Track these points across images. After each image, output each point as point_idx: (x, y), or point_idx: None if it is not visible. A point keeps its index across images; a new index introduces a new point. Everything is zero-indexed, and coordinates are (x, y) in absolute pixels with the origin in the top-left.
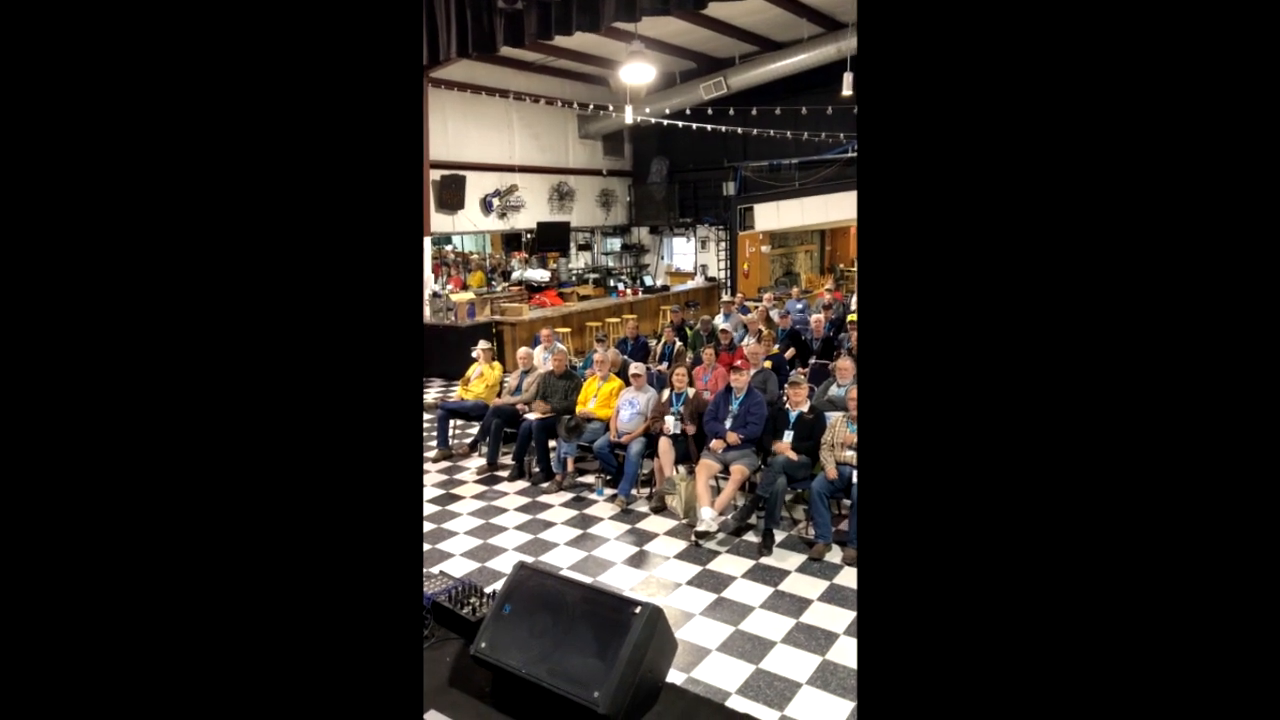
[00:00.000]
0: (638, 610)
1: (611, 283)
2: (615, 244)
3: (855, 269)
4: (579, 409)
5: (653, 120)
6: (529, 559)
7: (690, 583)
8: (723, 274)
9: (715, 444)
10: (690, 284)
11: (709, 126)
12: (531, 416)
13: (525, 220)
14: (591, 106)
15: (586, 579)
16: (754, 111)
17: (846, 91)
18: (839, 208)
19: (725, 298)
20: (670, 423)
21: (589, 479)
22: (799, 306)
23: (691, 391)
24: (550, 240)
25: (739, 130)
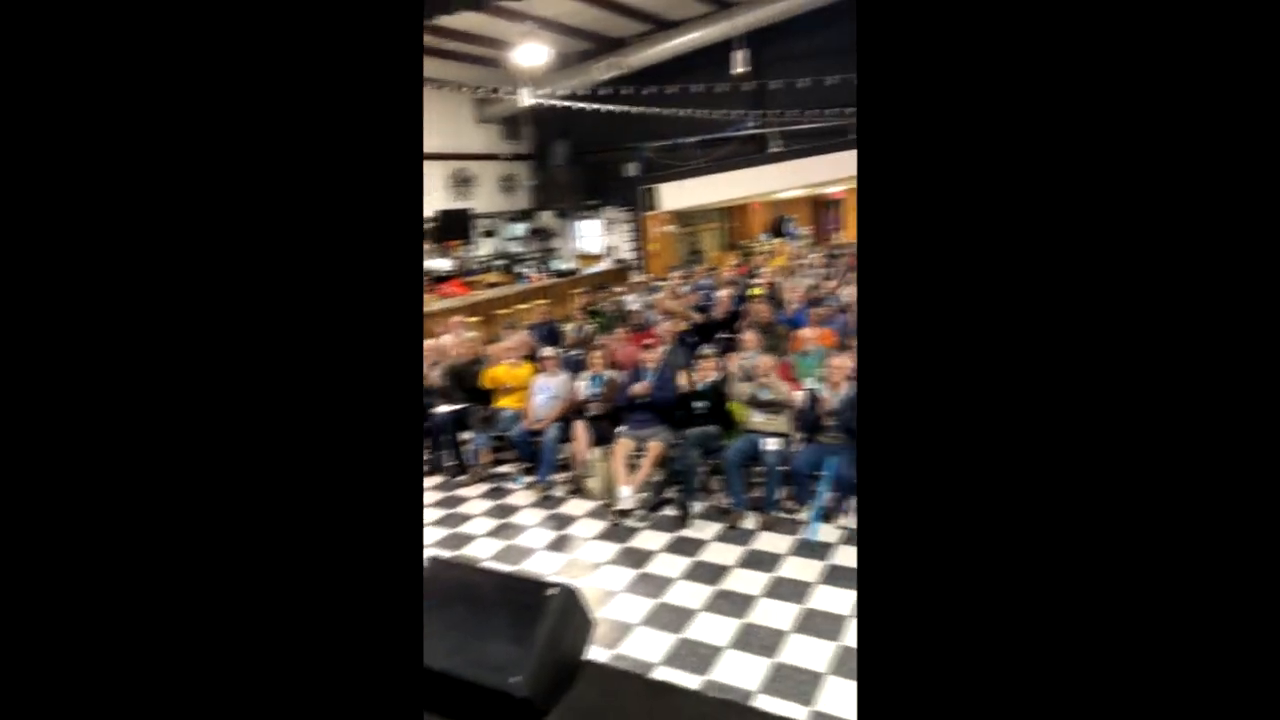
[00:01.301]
0: (551, 592)
1: (519, 269)
2: (521, 229)
3: (758, 244)
4: (487, 384)
5: (551, 102)
6: (448, 554)
7: (612, 561)
8: (631, 255)
9: (637, 388)
10: (600, 266)
11: (608, 107)
12: (441, 410)
13: (425, 209)
14: (487, 90)
15: (507, 568)
16: (650, 91)
17: (738, 69)
18: (741, 185)
19: (635, 278)
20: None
21: (506, 468)
22: (706, 283)
23: (608, 374)
24: (453, 228)
25: (637, 110)
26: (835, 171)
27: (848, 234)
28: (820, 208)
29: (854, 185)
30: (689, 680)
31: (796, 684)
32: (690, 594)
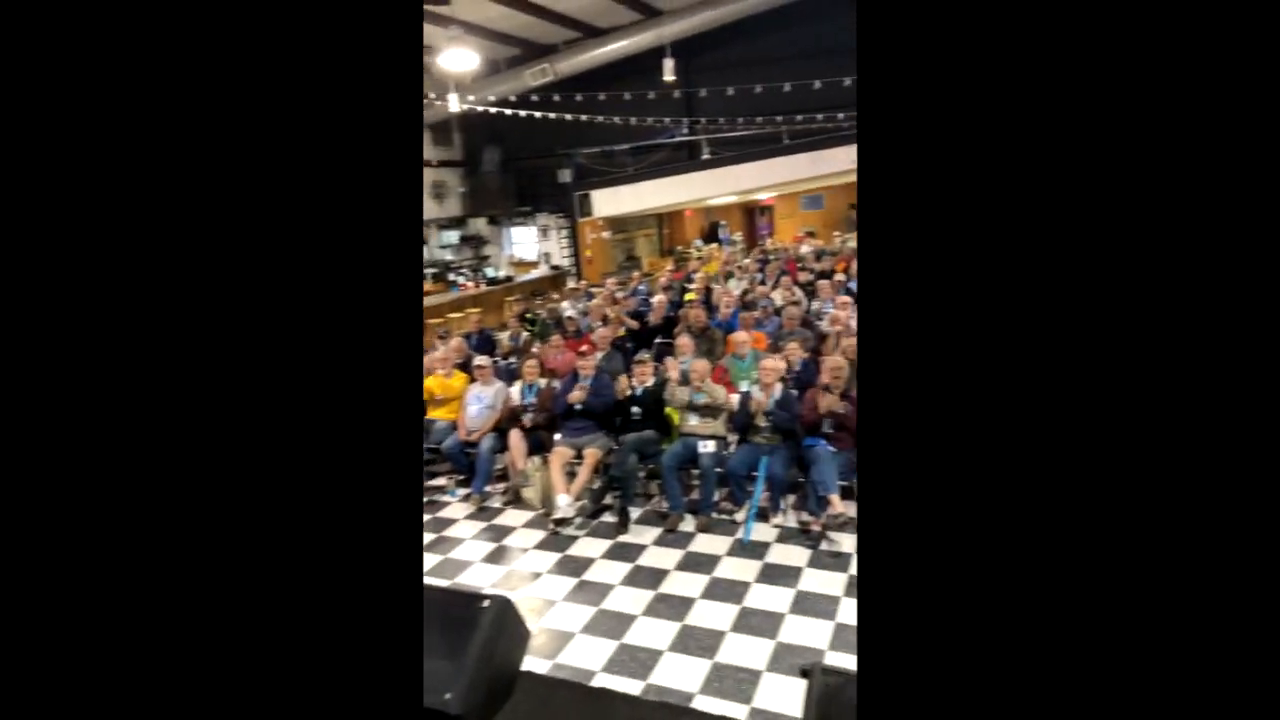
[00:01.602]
0: (485, 605)
1: (451, 277)
2: (453, 236)
3: (693, 250)
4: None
5: (480, 109)
6: None
7: (551, 570)
8: (567, 261)
9: (572, 395)
10: (535, 273)
11: (540, 114)
12: None
13: None
14: None
15: (443, 582)
16: (581, 98)
17: (668, 77)
18: (674, 191)
19: (571, 285)
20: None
21: (440, 481)
22: (643, 289)
23: (543, 382)
24: None
25: (570, 117)
26: (765, 178)
27: (778, 239)
28: (752, 213)
29: (782, 191)
30: (629, 686)
31: (736, 683)
32: (630, 599)
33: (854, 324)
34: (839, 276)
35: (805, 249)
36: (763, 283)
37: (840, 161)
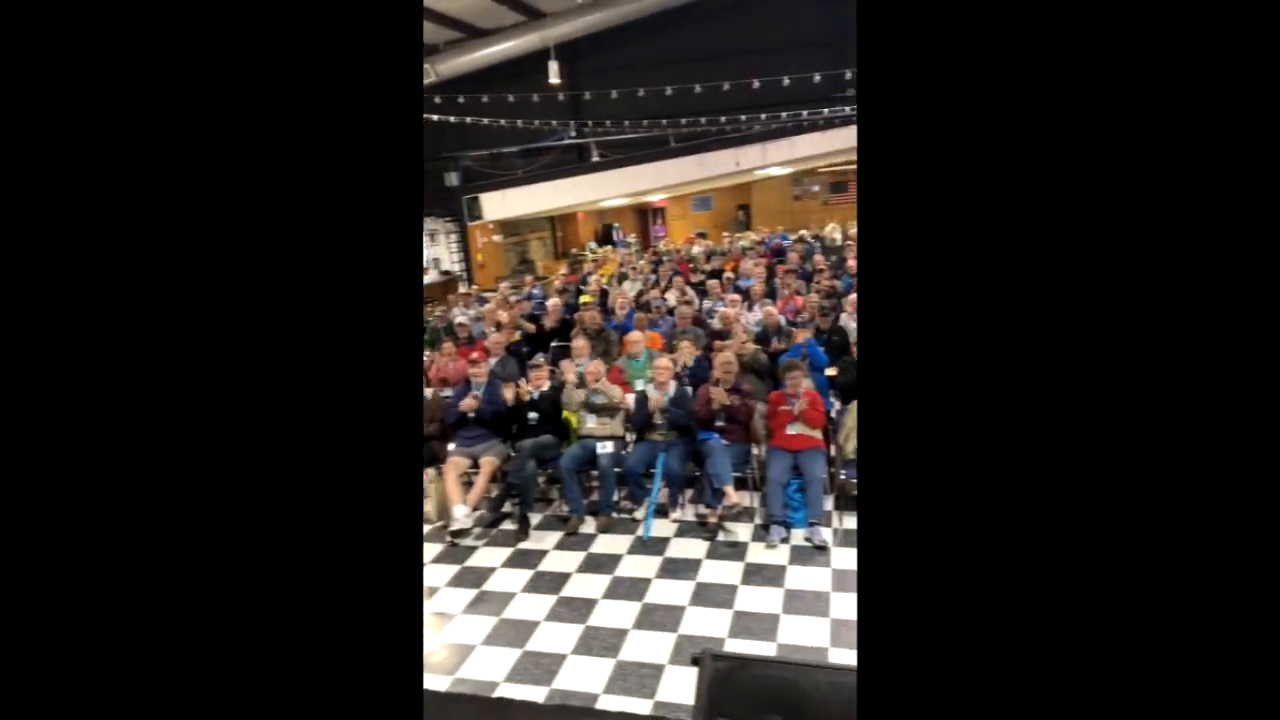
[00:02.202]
0: None
1: None
2: None
3: (587, 252)
4: None
5: None
6: None
7: (450, 584)
8: (457, 266)
9: (464, 404)
10: (425, 279)
11: (423, 115)
12: None
13: None
14: None
15: None
16: (466, 100)
17: (554, 79)
18: (564, 194)
19: (462, 290)
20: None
21: None
22: (537, 293)
23: (429, 393)
24: None
25: (454, 119)
26: (655, 180)
27: (671, 240)
28: (645, 215)
29: (673, 193)
30: (533, 694)
31: (639, 679)
32: (531, 606)
33: (745, 320)
34: (728, 276)
35: (696, 250)
36: (656, 284)
37: (726, 163)
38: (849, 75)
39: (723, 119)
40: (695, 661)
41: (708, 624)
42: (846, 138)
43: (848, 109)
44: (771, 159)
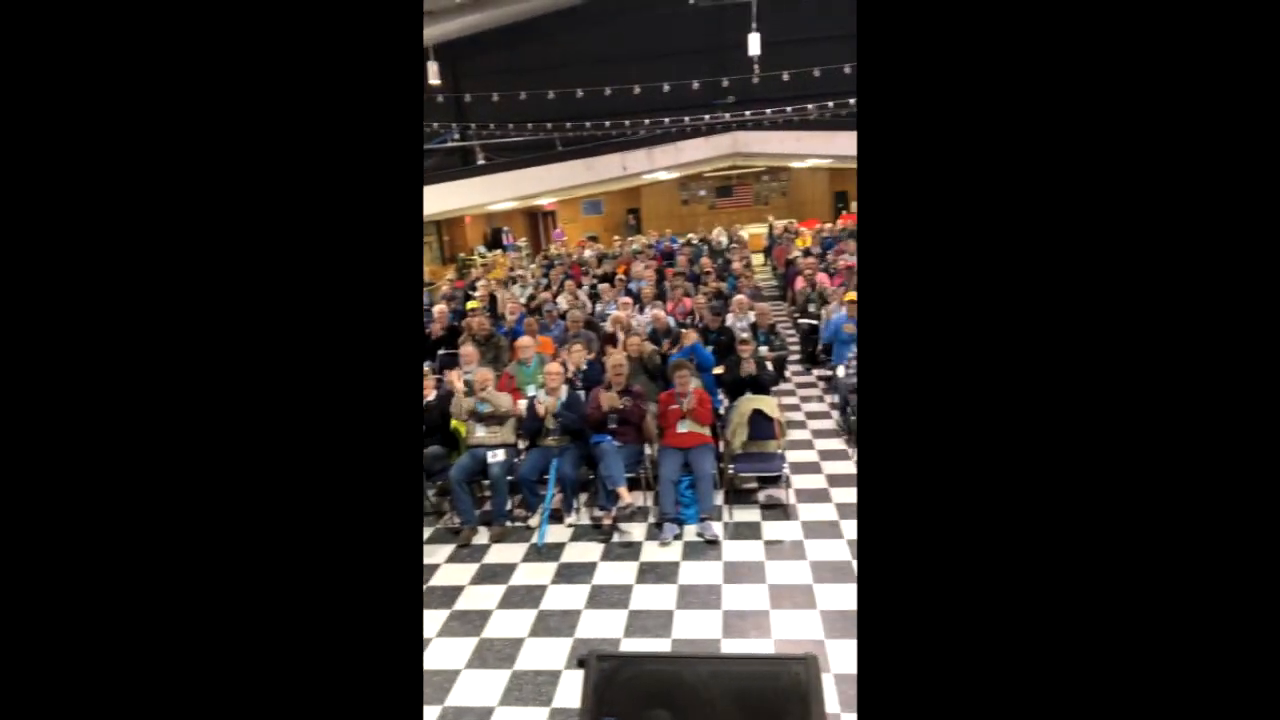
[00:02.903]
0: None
1: None
2: None
3: (476, 257)
4: None
5: None
6: None
7: None
8: None
9: None
10: None
11: None
12: None
13: None
14: None
15: None
16: None
17: (433, 80)
18: (450, 198)
19: None
20: None
21: None
22: (424, 300)
23: None
24: None
25: None
26: (542, 184)
27: (568, 244)
28: (534, 219)
29: (562, 197)
30: (426, 712)
31: (535, 687)
32: (424, 622)
33: (635, 322)
34: (620, 278)
35: (588, 253)
36: (548, 288)
37: (613, 168)
38: (725, 83)
39: (607, 123)
40: (581, 664)
41: (603, 626)
42: (729, 144)
43: (727, 115)
44: (658, 164)
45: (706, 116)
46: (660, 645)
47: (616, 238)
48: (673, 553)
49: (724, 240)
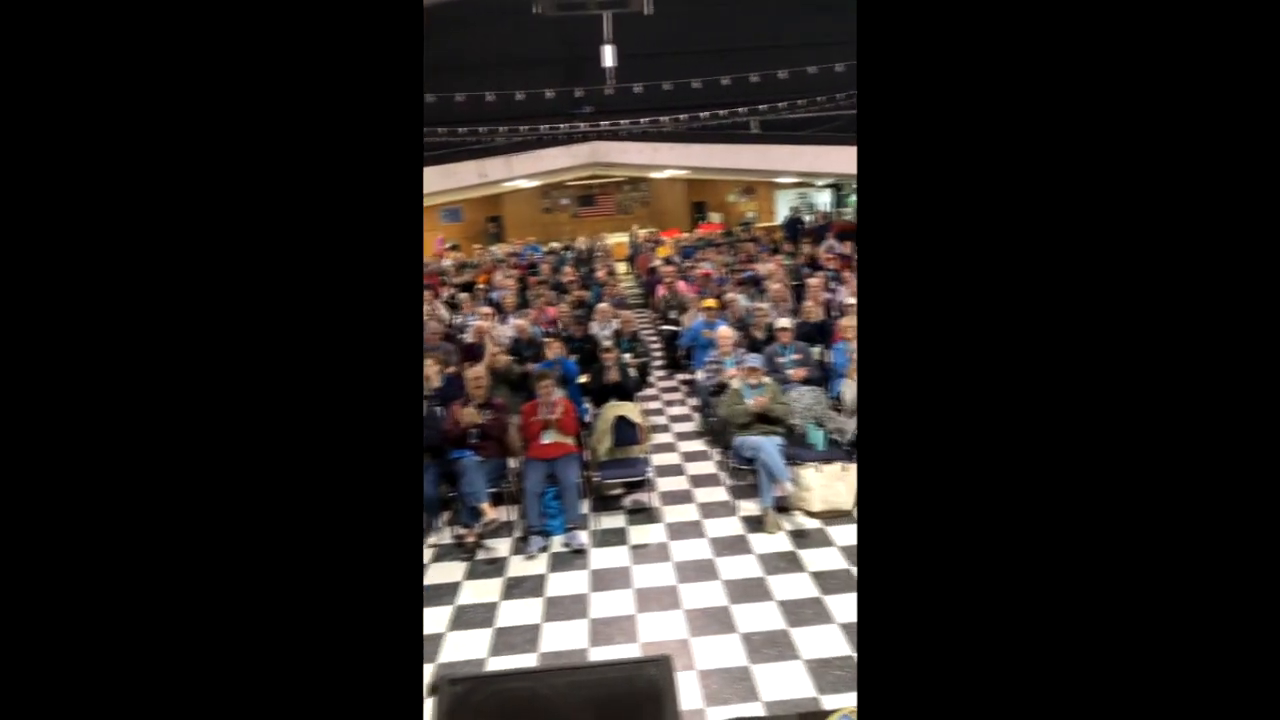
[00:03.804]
0: None
1: None
2: None
3: None
4: None
5: None
6: None
7: None
8: None
9: None
10: None
11: None
12: None
13: None
14: None
15: None
16: None
17: None
18: None
19: None
20: None
21: None
22: None
23: None
24: None
25: None
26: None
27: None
28: None
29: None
30: None
31: None
32: None
33: (498, 332)
34: (480, 288)
35: (447, 262)
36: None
37: (471, 175)
38: (579, 94)
39: (462, 130)
40: (432, 690)
41: (468, 647)
42: (588, 153)
43: (584, 125)
44: (517, 171)
45: (564, 126)
46: (526, 661)
47: (477, 246)
48: (539, 565)
49: (587, 248)
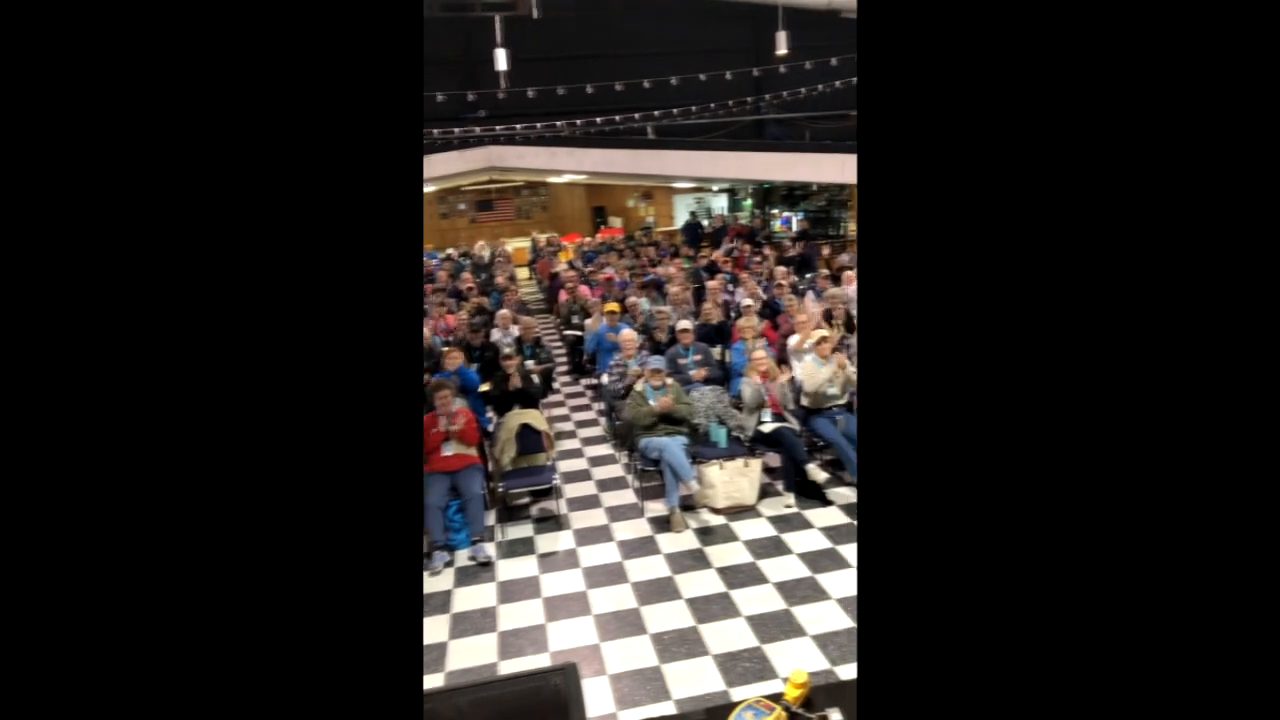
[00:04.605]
0: None
1: None
2: None
3: None
4: None
5: None
6: None
7: None
8: None
9: None
10: None
11: None
12: None
13: None
14: None
15: None
16: None
17: None
18: None
19: None
20: None
21: None
22: None
23: None
24: None
25: None
26: None
27: None
28: None
29: None
30: None
31: None
32: None
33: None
34: None
35: None
36: None
37: None
38: (471, 97)
39: None
40: None
41: None
42: (484, 158)
43: (478, 129)
44: None
45: (458, 130)
46: (433, 682)
47: None
48: (444, 581)
49: (486, 255)
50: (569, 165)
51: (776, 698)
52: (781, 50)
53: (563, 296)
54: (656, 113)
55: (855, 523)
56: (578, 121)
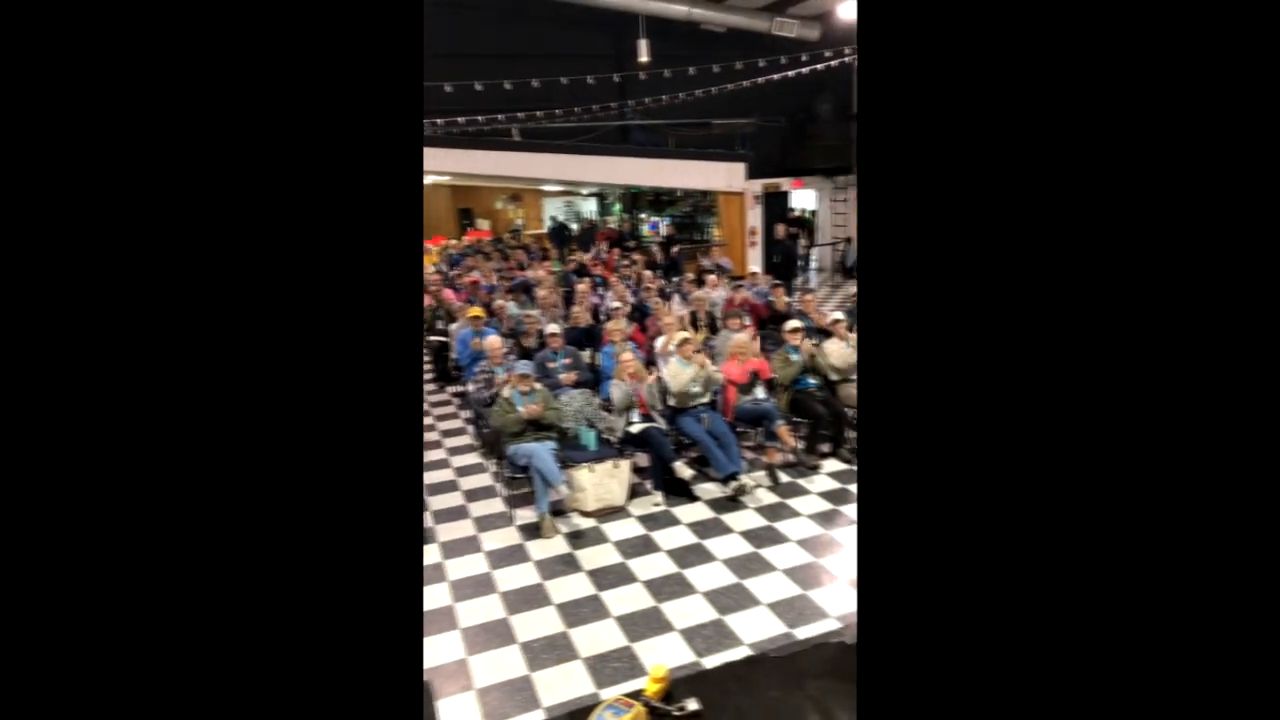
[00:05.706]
0: None
1: None
2: None
3: None
4: None
5: None
6: None
7: None
8: None
9: None
10: None
11: None
12: None
13: None
14: None
15: None
16: None
17: None
18: None
19: None
20: None
21: None
22: None
23: None
24: None
25: None
26: None
27: None
28: None
29: None
30: None
31: None
32: None
33: None
34: None
35: None
36: None
37: None
38: None
39: None
40: None
41: None
42: None
43: None
44: None
45: None
46: None
47: None
48: None
49: None
50: (432, 165)
51: (637, 694)
52: (644, 58)
53: (426, 301)
54: (521, 114)
55: (719, 517)
56: (439, 121)
